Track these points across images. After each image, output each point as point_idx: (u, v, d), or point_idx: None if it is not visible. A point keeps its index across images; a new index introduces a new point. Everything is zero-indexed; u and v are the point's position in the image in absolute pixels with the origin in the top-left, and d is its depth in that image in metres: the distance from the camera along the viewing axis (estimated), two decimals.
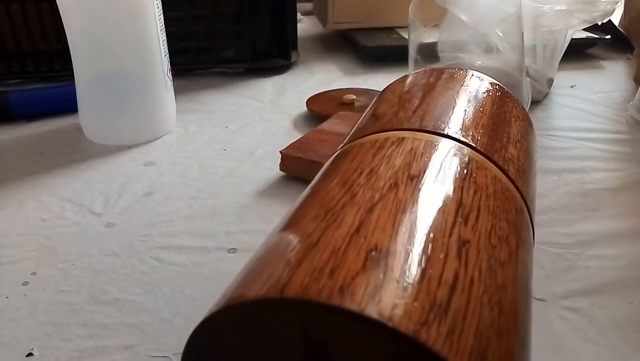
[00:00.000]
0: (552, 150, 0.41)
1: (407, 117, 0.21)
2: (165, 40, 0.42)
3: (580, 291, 0.27)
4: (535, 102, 0.50)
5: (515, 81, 0.45)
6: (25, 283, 0.28)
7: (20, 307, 0.26)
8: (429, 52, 0.50)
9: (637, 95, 0.46)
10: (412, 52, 0.50)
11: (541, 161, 0.39)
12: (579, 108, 0.49)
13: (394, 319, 0.12)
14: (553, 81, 0.52)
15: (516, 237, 0.17)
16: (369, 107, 0.26)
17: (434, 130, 0.20)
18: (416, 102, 0.23)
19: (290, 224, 0.17)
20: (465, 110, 0.22)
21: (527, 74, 0.50)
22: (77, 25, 0.39)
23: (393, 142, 0.19)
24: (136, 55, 0.40)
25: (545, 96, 0.52)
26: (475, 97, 0.24)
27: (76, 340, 0.24)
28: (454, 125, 0.21)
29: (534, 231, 0.21)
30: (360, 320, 0.12)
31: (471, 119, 0.22)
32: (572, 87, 0.54)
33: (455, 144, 0.20)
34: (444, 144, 0.19)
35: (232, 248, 0.30)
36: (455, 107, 0.22)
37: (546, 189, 0.36)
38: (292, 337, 0.13)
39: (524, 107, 0.45)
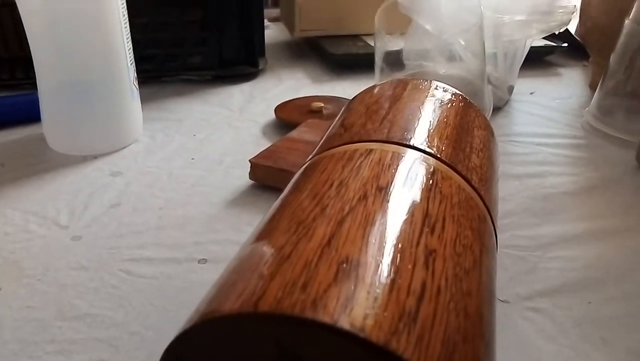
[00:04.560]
0: (513, 155, 0.43)
1: (375, 129, 0.22)
2: (132, 48, 0.42)
3: (542, 292, 0.28)
4: (497, 109, 0.52)
5: (477, 89, 0.47)
6: None
7: None
8: (395, 60, 0.51)
9: (592, 101, 0.48)
10: (378, 60, 0.51)
11: (503, 166, 0.41)
12: (538, 114, 0.51)
13: (366, 329, 0.12)
14: (513, 88, 0.54)
15: (480, 244, 0.18)
16: (338, 117, 0.27)
17: (400, 141, 0.21)
18: (383, 113, 0.24)
19: (262, 236, 0.17)
20: (430, 121, 0.23)
21: (489, 82, 0.51)
22: (39, 33, 0.39)
23: (362, 154, 0.20)
24: (101, 63, 0.40)
25: (506, 102, 0.53)
26: (440, 108, 0.25)
27: (45, 357, 0.24)
28: (420, 136, 0.21)
29: (497, 236, 0.22)
30: (333, 331, 0.12)
31: (436, 130, 0.22)
32: (531, 93, 0.56)
33: (421, 155, 0.20)
34: (410, 155, 0.20)
35: (203, 259, 0.30)
36: (421, 118, 0.23)
37: (508, 194, 0.37)
38: (267, 349, 0.13)
39: (486, 114, 0.47)
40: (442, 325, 0.13)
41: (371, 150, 0.20)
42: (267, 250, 0.16)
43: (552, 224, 0.34)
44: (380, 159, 0.19)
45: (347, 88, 0.58)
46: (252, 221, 0.33)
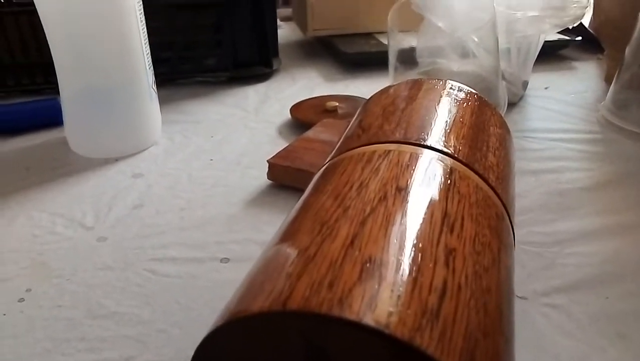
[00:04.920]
0: (529, 152, 0.43)
1: (392, 130, 0.23)
2: (149, 53, 0.43)
3: (559, 288, 0.28)
4: (512, 105, 0.52)
5: (491, 85, 0.47)
6: (21, 300, 0.28)
7: (18, 324, 0.26)
8: (408, 58, 0.51)
9: (608, 95, 0.48)
10: (391, 58, 0.52)
11: (519, 162, 0.41)
12: (553, 109, 0.51)
13: (390, 326, 0.13)
14: (528, 83, 0.54)
15: (498, 242, 0.18)
16: (354, 119, 0.27)
17: (417, 142, 0.21)
18: (399, 114, 0.24)
19: (287, 237, 0.18)
20: (446, 121, 0.23)
21: (503, 78, 0.51)
22: (60, 41, 0.40)
23: (380, 155, 0.20)
24: (121, 68, 0.41)
25: (521, 98, 0.53)
26: (455, 107, 0.25)
27: (76, 354, 0.25)
28: (436, 136, 0.22)
29: (514, 233, 0.22)
30: (359, 328, 0.13)
31: (452, 130, 0.23)
32: (546, 88, 0.56)
33: (438, 155, 0.21)
34: (428, 155, 0.21)
35: (225, 258, 0.31)
36: (437, 118, 0.23)
37: (525, 190, 0.37)
38: (295, 346, 0.14)
39: (501, 110, 0.47)
40: (463, 321, 0.14)
41: (389, 151, 0.21)
42: (292, 251, 0.16)
43: (568, 220, 0.34)
44: (398, 160, 0.20)
45: (361, 86, 0.58)
46: (271, 220, 0.34)
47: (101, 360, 0.24)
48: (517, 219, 0.33)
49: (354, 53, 0.63)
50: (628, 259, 0.30)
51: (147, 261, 0.31)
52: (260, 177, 0.39)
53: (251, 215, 0.35)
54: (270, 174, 0.38)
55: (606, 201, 0.36)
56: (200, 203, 0.36)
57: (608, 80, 0.57)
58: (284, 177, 0.37)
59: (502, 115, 0.46)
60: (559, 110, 0.51)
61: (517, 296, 0.27)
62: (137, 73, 0.42)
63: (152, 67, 0.43)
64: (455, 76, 0.51)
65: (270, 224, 0.34)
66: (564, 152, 0.43)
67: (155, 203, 0.36)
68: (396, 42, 0.51)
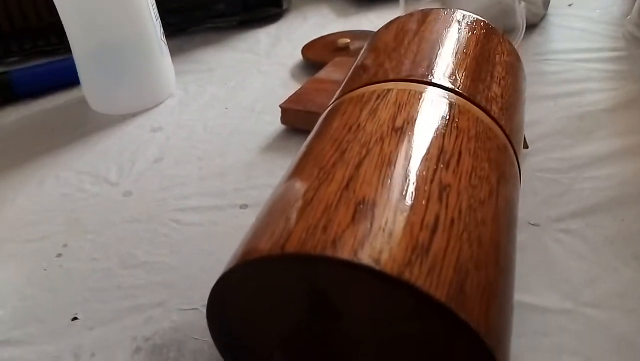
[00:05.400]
0: (548, 75, 0.42)
1: (392, 68, 0.22)
2: (154, 4, 0.43)
3: (575, 213, 0.28)
4: (532, 26, 0.49)
5: (507, 7, 0.45)
6: (59, 255, 0.30)
7: (59, 277, 0.28)
8: None
9: (634, 9, 0.45)
10: None
11: (537, 87, 0.40)
12: (577, 28, 0.49)
13: (381, 262, 0.13)
14: (549, 1, 0.51)
15: (497, 174, 0.18)
16: (358, 57, 0.27)
17: (418, 79, 0.21)
18: (402, 50, 0.24)
19: (289, 182, 0.18)
20: (449, 54, 0.23)
21: None
22: (67, 2, 0.40)
23: (379, 96, 0.20)
24: (128, 24, 0.41)
25: (543, 17, 0.51)
26: (459, 39, 0.24)
27: (113, 301, 0.27)
28: (437, 71, 0.22)
29: (519, 163, 0.22)
30: (352, 266, 0.13)
31: (454, 63, 0.22)
32: (569, 5, 0.53)
33: (439, 91, 0.21)
34: (428, 92, 0.20)
35: (244, 204, 0.32)
36: (439, 52, 0.23)
37: (542, 116, 0.36)
38: (296, 286, 0.15)
39: (519, 33, 0.45)
40: (454, 254, 0.14)
41: (388, 90, 0.21)
42: (292, 195, 0.17)
43: (587, 144, 0.33)
44: (397, 99, 0.20)
45: (374, 19, 0.56)
46: (286, 165, 0.35)
47: (136, 305, 0.26)
48: (533, 147, 0.33)
49: None
50: None
51: (171, 211, 0.32)
52: (274, 122, 0.39)
53: (267, 161, 0.36)
54: (283, 119, 0.38)
55: (628, 121, 0.35)
56: (218, 152, 0.37)
57: None
58: (297, 120, 0.37)
59: (520, 38, 0.44)
60: (583, 28, 0.48)
61: (530, 223, 0.28)
62: (145, 27, 0.41)
63: (159, 20, 0.43)
64: (471, 1, 0.49)
65: (285, 168, 0.34)
66: (585, 73, 0.41)
67: (175, 155, 0.37)
68: None
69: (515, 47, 0.44)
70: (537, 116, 0.36)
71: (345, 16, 0.59)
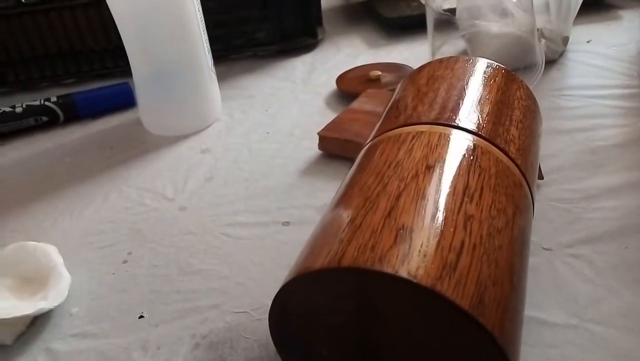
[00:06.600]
0: (565, 110, 0.45)
1: (424, 112, 0.26)
2: (207, 39, 0.47)
3: (583, 240, 0.32)
4: (551, 62, 0.53)
5: (528, 45, 0.49)
6: (125, 262, 0.34)
7: (126, 281, 0.33)
8: (447, 20, 0.53)
9: None
10: (429, 21, 0.54)
11: (554, 122, 0.43)
12: (593, 64, 0.52)
13: (418, 277, 0.17)
14: (568, 38, 0.54)
15: (513, 207, 0.22)
16: (393, 98, 0.31)
17: (446, 122, 0.25)
18: (432, 95, 0.28)
19: (339, 210, 0.22)
20: (473, 100, 0.27)
21: (542, 36, 0.53)
22: (130, 32, 0.45)
23: (413, 137, 0.24)
24: (183, 53, 0.46)
25: (562, 54, 0.54)
26: (482, 85, 0.28)
27: (174, 303, 0.31)
28: (463, 116, 0.25)
29: (533, 195, 0.26)
30: (395, 279, 0.17)
31: (478, 109, 0.26)
32: (588, 42, 0.57)
33: (464, 134, 0.24)
34: (455, 135, 0.24)
35: (286, 222, 0.36)
36: (465, 98, 0.27)
37: (558, 149, 0.40)
38: (348, 294, 0.19)
39: (538, 70, 0.48)
40: (476, 273, 0.18)
41: (421, 132, 0.25)
42: (343, 221, 0.21)
43: (598, 177, 0.37)
44: (429, 140, 0.24)
45: (403, 51, 0.60)
46: (324, 187, 0.39)
47: (194, 307, 0.30)
48: (548, 178, 0.37)
49: (396, 18, 0.65)
50: None
51: (222, 226, 0.36)
52: (312, 148, 0.43)
53: (306, 183, 0.40)
54: (320, 145, 0.42)
55: (637, 156, 0.38)
56: (262, 174, 0.41)
57: None
58: (333, 147, 0.41)
59: (540, 74, 0.48)
60: (599, 65, 0.52)
61: (543, 248, 0.31)
62: (199, 56, 0.46)
63: (210, 52, 0.48)
64: (494, 39, 0.53)
65: (324, 190, 0.38)
66: (599, 110, 0.44)
67: (223, 175, 0.42)
68: (436, 4, 0.53)
69: (535, 82, 0.48)
70: (553, 149, 0.40)
71: (376, 47, 0.63)
